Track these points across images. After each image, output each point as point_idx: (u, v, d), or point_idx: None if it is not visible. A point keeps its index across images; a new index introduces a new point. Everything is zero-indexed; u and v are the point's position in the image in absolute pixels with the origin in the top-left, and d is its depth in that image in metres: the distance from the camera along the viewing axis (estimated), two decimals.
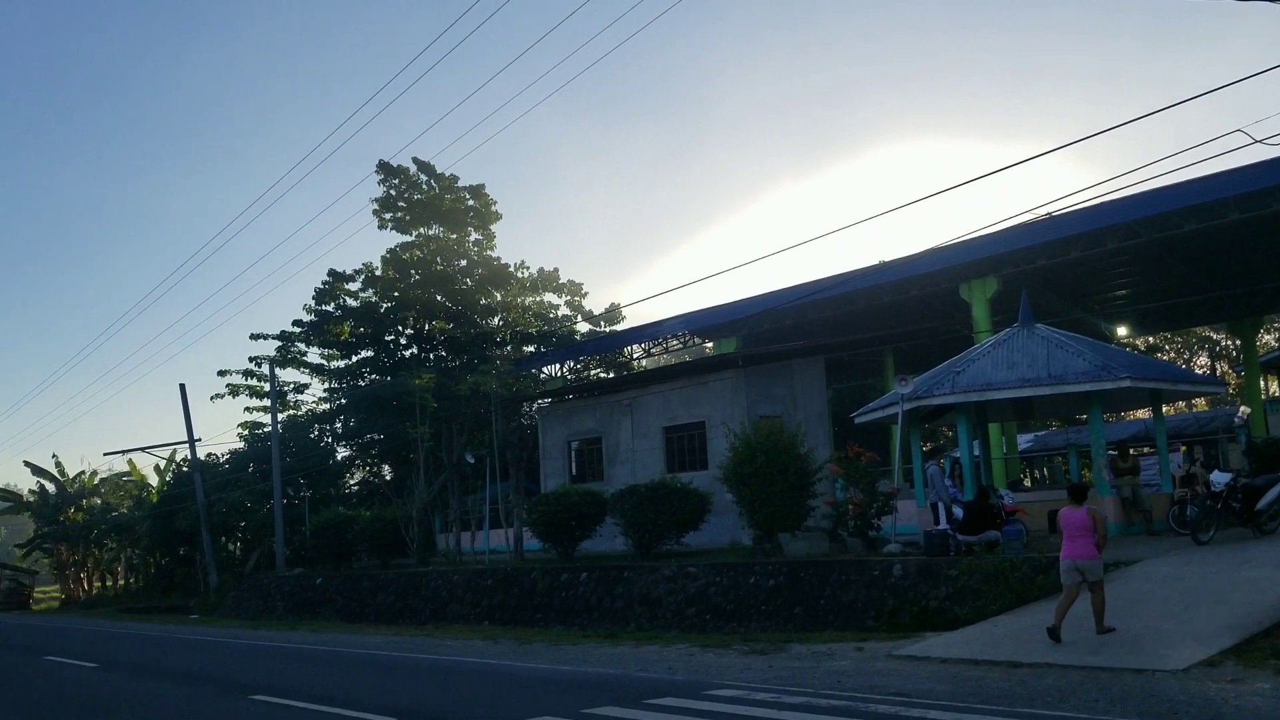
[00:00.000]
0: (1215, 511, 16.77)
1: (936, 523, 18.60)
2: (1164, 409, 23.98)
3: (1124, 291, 33.61)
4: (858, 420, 22.43)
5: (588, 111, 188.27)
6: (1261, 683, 9.37)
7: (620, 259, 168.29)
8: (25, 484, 64.43)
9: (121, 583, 57.97)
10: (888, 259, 30.59)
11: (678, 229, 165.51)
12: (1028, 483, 37.04)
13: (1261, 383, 38.54)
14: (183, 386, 43.59)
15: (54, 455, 78.38)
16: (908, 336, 32.09)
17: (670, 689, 11.49)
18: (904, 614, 16.01)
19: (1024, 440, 36.48)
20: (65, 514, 58.08)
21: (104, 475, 61.48)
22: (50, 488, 59.36)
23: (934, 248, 25.33)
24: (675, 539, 23.60)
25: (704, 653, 14.84)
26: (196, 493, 42.11)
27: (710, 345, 40.61)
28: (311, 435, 45.72)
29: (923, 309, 31.29)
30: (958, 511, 18.23)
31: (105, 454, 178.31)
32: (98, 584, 59.00)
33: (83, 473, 61.10)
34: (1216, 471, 19.13)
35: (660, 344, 39.36)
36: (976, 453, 22.11)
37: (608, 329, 43.46)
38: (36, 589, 62.10)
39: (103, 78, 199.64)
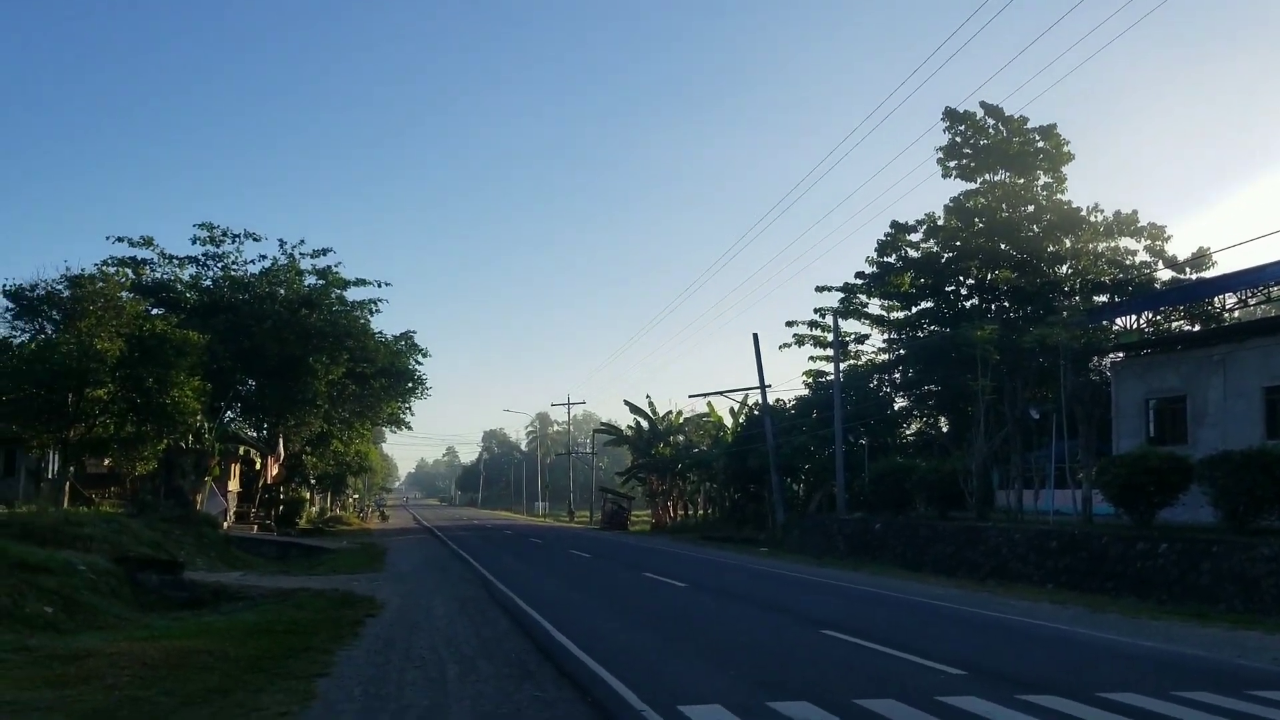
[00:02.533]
0: None
1: None
2: None
3: None
4: None
5: (1169, 41, 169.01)
6: None
7: (1208, 200, 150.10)
8: (624, 420, 73.49)
9: (701, 513, 63.99)
10: None
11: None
12: None
13: None
14: (755, 336, 46.74)
15: (647, 396, 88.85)
16: None
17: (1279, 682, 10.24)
18: None
19: None
20: (656, 448, 65.52)
21: (687, 415, 68.30)
22: (644, 425, 67.31)
23: None
24: (1277, 514, 20.75)
25: None
26: (766, 435, 45.13)
27: None
28: (870, 385, 46.78)
29: None
30: None
31: (690, 396, 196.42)
32: (681, 512, 65.73)
33: (670, 412, 68.39)
34: None
35: (1260, 292, 34.50)
36: None
37: (1194, 276, 39.02)
38: (632, 513, 70.78)
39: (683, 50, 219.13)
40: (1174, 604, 19.04)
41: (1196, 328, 36.04)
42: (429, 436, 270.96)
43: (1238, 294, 35.01)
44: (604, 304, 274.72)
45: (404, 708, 9.00)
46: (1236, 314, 38.27)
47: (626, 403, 69.63)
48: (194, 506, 33.56)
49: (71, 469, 30.77)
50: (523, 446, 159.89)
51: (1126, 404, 30.78)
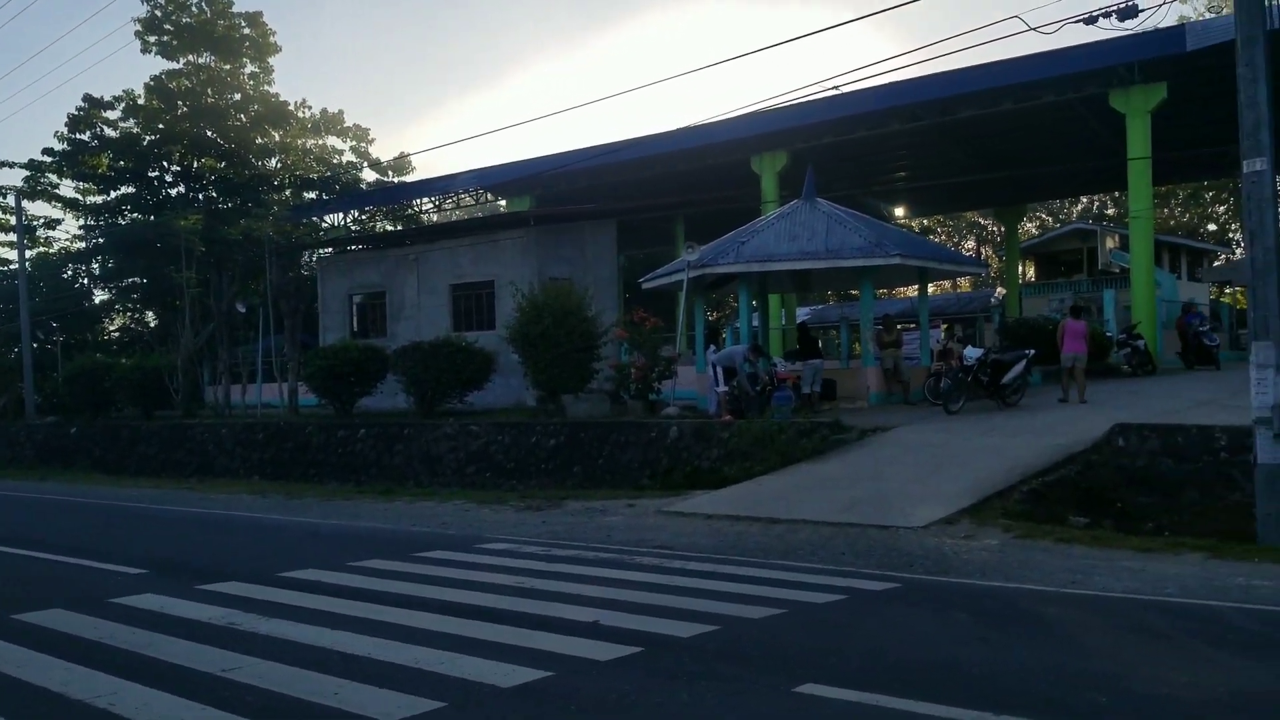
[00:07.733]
0: (965, 384, 17.80)
1: (716, 384, 18.94)
2: (930, 288, 25.56)
3: (904, 173, 35.08)
4: (645, 286, 22.57)
5: None
6: (989, 539, 10.21)
7: (407, 107, 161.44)
8: None
9: None
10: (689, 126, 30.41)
11: (464, 79, 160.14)
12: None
13: (1020, 267, 41.68)
14: None
15: None
16: (700, 205, 32.34)
17: (442, 542, 11.47)
18: (677, 474, 16.49)
19: (803, 313, 37.91)
20: None
21: None
22: None
23: (729, 118, 25.27)
24: (459, 398, 23.40)
25: (480, 509, 14.89)
26: None
27: (504, 203, 39.77)
28: (65, 275, 42.32)
29: (716, 179, 31.53)
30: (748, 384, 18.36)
31: None
32: None
33: None
34: (970, 347, 20.35)
35: (451, 198, 38.21)
36: (755, 323, 22.74)
37: (395, 179, 41.75)
38: None
39: None
40: (370, 485, 20.41)
41: (398, 228, 38.70)
42: None
43: (433, 199, 38.36)
44: None
45: None
46: (433, 217, 42.02)
47: None
48: None
49: None
50: None
51: (331, 299, 32.02)
